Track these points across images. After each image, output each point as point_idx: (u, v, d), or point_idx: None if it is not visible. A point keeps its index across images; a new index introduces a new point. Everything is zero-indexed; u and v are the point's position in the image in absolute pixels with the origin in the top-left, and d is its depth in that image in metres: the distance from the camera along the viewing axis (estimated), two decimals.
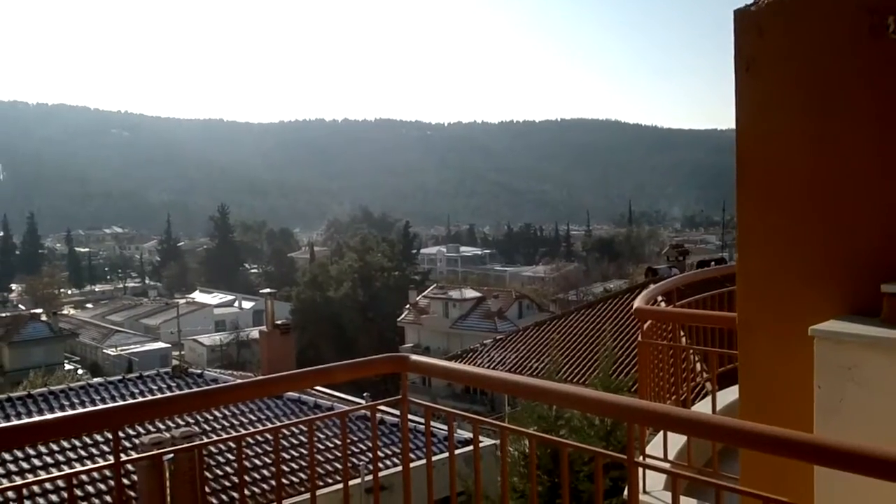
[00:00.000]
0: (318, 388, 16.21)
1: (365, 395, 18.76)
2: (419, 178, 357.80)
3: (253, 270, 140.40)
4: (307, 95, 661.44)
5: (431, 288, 63.60)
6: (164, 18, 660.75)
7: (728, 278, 6.27)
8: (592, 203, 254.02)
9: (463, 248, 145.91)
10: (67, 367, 56.75)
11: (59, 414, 5.14)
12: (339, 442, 13.81)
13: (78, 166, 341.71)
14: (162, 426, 12.96)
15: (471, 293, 60.67)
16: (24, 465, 13.14)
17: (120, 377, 16.43)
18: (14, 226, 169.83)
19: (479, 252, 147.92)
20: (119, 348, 65.23)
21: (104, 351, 66.37)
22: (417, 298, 59.93)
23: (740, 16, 3.79)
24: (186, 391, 4.21)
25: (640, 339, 5.81)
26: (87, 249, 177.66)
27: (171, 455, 8.77)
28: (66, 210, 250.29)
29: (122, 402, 3.76)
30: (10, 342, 57.52)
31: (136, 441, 13.85)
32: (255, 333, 62.27)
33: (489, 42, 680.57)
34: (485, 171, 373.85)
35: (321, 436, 13.71)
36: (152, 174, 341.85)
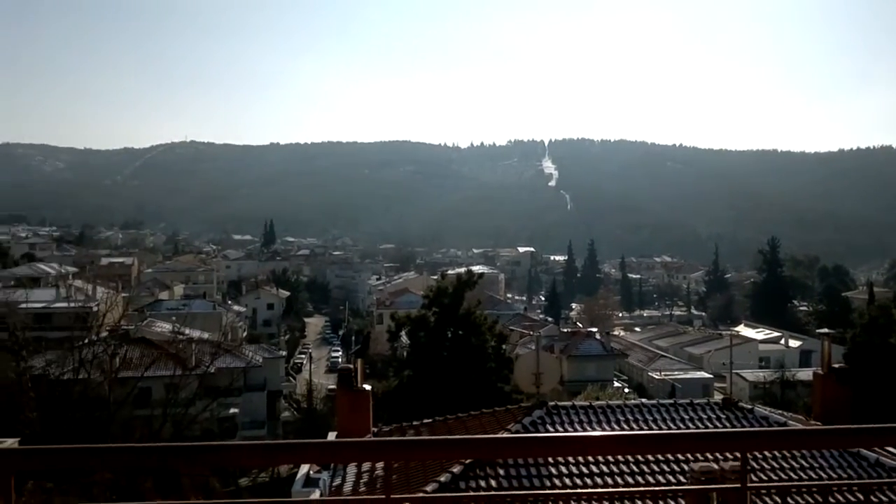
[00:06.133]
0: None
1: None
2: None
3: (802, 308, 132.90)
4: (870, 119, 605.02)
5: None
6: (722, 50, 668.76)
7: None
8: None
9: None
10: (616, 384, 60.69)
11: (690, 430, 5.44)
12: None
13: (633, 198, 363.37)
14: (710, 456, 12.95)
15: None
16: (563, 469, 14.30)
17: (671, 401, 16.96)
18: (577, 251, 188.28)
19: None
20: (663, 373, 67.47)
21: (649, 373, 69.33)
22: None
23: None
24: (813, 427, 4.13)
25: None
26: (637, 276, 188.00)
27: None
28: (622, 238, 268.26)
29: (751, 428, 3.83)
30: (570, 355, 63.59)
31: (680, 467, 14.17)
32: (802, 374, 58.81)
33: None
34: None
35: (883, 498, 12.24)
36: (702, 206, 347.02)
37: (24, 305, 52.39)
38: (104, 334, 44.14)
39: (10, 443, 17.36)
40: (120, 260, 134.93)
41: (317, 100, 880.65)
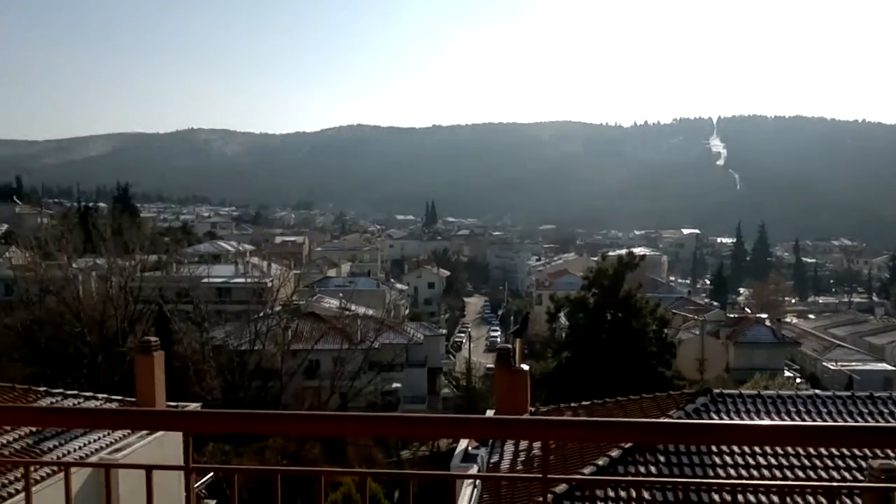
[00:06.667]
0: None
1: None
2: None
3: None
4: None
5: None
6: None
7: None
8: None
9: None
10: (787, 373, 57.69)
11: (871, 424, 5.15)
12: None
13: (809, 177, 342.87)
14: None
15: None
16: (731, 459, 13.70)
17: (849, 394, 15.92)
18: (746, 233, 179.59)
19: None
20: (840, 363, 63.54)
21: (824, 364, 65.46)
22: None
23: None
24: None
25: None
26: (813, 260, 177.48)
27: None
28: (795, 220, 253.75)
29: None
30: (736, 342, 61.05)
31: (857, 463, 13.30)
32: None
33: None
34: None
35: None
36: (886, 186, 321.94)
37: (206, 280, 56.11)
38: (278, 308, 46.74)
39: (193, 407, 18.69)
40: (292, 238, 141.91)
41: (477, 81, 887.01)
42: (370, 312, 54.33)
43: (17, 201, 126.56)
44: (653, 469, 13.39)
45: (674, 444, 13.21)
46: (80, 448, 15.24)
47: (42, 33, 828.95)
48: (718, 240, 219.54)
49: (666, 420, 13.13)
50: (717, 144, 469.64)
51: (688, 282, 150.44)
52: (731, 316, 75.77)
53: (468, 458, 14.64)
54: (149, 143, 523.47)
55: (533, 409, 17.54)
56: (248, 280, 60.10)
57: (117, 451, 15.43)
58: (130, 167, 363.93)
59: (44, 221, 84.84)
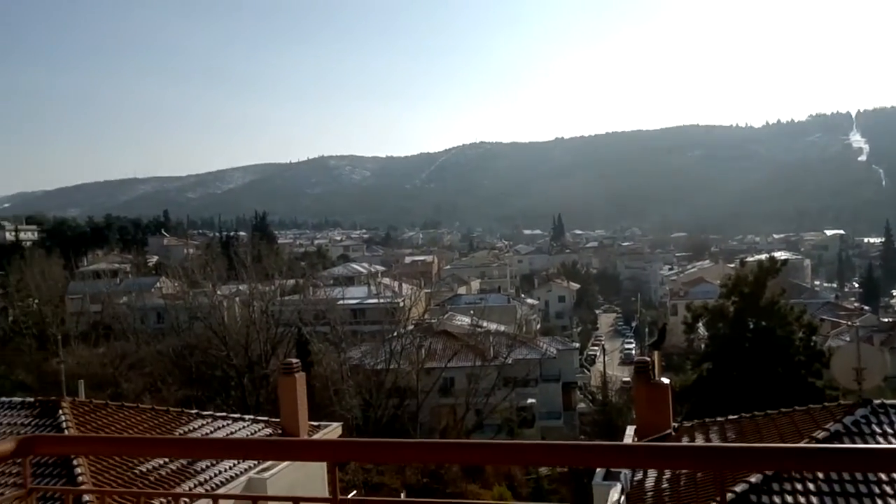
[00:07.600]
0: None
1: None
2: None
3: None
4: None
5: None
6: None
7: None
8: None
9: None
10: None
11: None
12: None
13: None
14: None
15: None
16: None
17: None
18: None
19: None
20: None
21: None
22: None
23: None
24: None
25: None
26: None
27: None
28: None
29: None
30: (892, 347, 57.13)
31: None
32: None
33: None
34: None
35: None
36: None
37: (341, 302, 57.69)
38: (410, 327, 47.43)
39: (335, 427, 19.07)
40: (421, 258, 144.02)
41: (598, 91, 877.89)
42: (502, 328, 54.25)
43: (165, 234, 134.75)
44: (810, 486, 12.57)
45: (836, 471, 12.20)
46: (230, 468, 15.86)
47: (182, 77, 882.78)
48: (865, 240, 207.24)
49: (830, 445, 12.39)
50: (857, 140, 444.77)
51: (834, 286, 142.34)
52: (885, 320, 71.17)
53: (610, 475, 14.24)
54: (282, 172, 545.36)
55: (676, 425, 16.94)
56: (381, 300, 61.32)
57: (264, 470, 15.96)
58: (266, 197, 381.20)
59: (189, 252, 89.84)
